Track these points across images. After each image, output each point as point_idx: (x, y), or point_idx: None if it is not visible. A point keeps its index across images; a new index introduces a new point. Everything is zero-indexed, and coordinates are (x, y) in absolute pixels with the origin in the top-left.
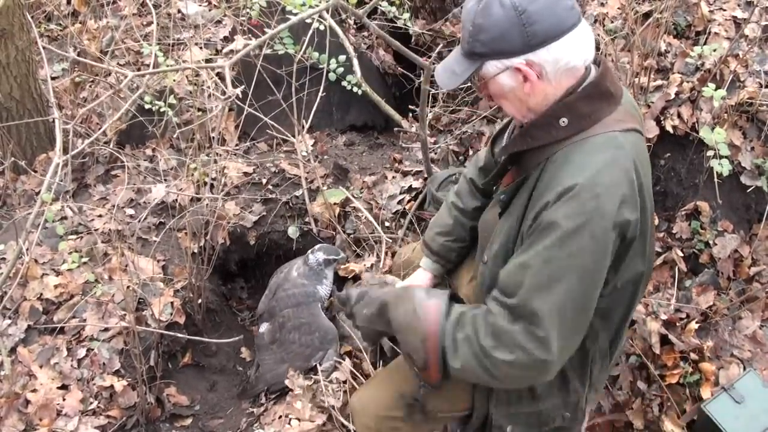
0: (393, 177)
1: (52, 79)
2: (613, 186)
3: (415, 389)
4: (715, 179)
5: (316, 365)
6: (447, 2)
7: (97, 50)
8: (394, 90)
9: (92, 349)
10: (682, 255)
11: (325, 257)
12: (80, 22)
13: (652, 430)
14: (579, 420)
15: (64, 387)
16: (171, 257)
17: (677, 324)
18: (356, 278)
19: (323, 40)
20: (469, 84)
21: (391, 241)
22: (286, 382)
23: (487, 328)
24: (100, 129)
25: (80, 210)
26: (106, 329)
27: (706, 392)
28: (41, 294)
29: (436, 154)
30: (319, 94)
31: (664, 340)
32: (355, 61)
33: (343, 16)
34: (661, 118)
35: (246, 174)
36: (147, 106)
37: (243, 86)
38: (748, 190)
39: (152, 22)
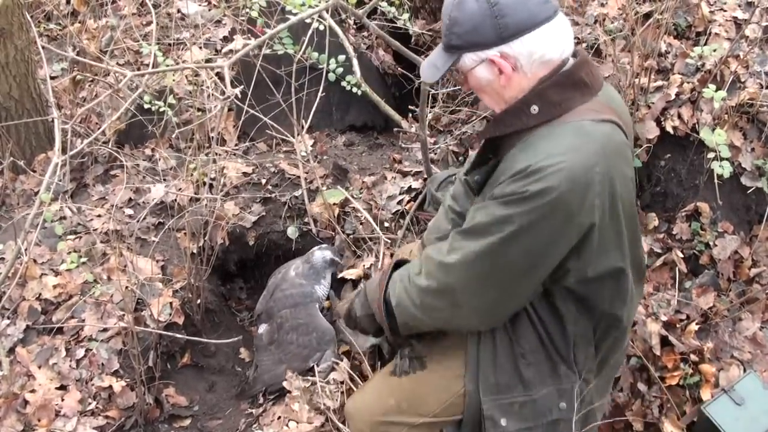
0: (392, 177)
1: (52, 78)
2: (566, 170)
3: (409, 393)
4: (716, 180)
5: (314, 366)
6: None
7: (97, 50)
8: (394, 90)
9: (91, 350)
10: (682, 256)
11: (332, 256)
12: (79, 22)
13: (652, 431)
14: (578, 411)
15: (62, 387)
16: (170, 257)
17: (677, 325)
18: (355, 283)
19: (323, 40)
20: None
21: (390, 241)
22: (284, 383)
23: (420, 262)
24: (99, 129)
25: (79, 210)
26: (105, 329)
27: (706, 394)
28: (40, 294)
29: (435, 154)
30: (319, 94)
31: (665, 342)
32: (355, 62)
33: (343, 16)
34: (662, 119)
35: (245, 174)
36: (146, 106)
37: (242, 86)
38: (749, 191)
39: (152, 22)
